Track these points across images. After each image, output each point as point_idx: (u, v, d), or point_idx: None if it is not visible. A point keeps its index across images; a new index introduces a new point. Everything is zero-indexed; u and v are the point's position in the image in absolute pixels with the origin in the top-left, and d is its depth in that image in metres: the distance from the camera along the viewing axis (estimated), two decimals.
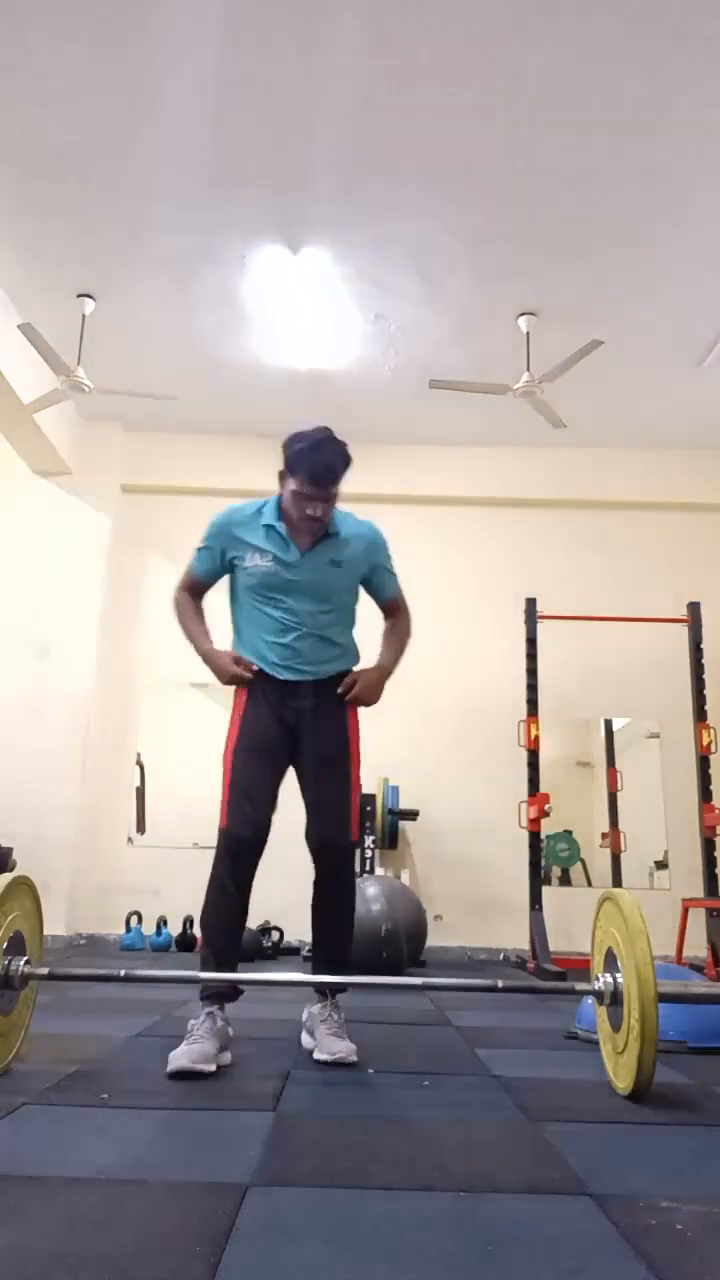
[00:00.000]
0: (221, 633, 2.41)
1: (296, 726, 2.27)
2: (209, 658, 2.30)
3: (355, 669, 2.38)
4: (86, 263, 4.82)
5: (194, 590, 2.42)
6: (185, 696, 6.18)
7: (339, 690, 2.29)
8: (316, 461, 2.19)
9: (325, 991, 2.27)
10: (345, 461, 2.25)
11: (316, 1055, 2.14)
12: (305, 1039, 2.28)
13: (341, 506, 2.35)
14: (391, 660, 2.42)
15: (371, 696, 2.34)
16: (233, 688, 2.33)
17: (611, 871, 6.00)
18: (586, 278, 4.82)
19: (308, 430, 2.25)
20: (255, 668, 2.27)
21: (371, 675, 2.35)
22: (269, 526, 2.29)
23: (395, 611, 2.50)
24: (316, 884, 2.31)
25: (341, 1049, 2.11)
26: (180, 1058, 1.94)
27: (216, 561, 2.36)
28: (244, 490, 7.04)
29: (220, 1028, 2.07)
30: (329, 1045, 2.13)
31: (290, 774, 2.32)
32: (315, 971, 2.32)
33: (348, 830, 2.28)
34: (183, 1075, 1.91)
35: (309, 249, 4.66)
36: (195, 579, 2.41)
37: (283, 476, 2.27)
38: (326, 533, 2.30)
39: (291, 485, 2.23)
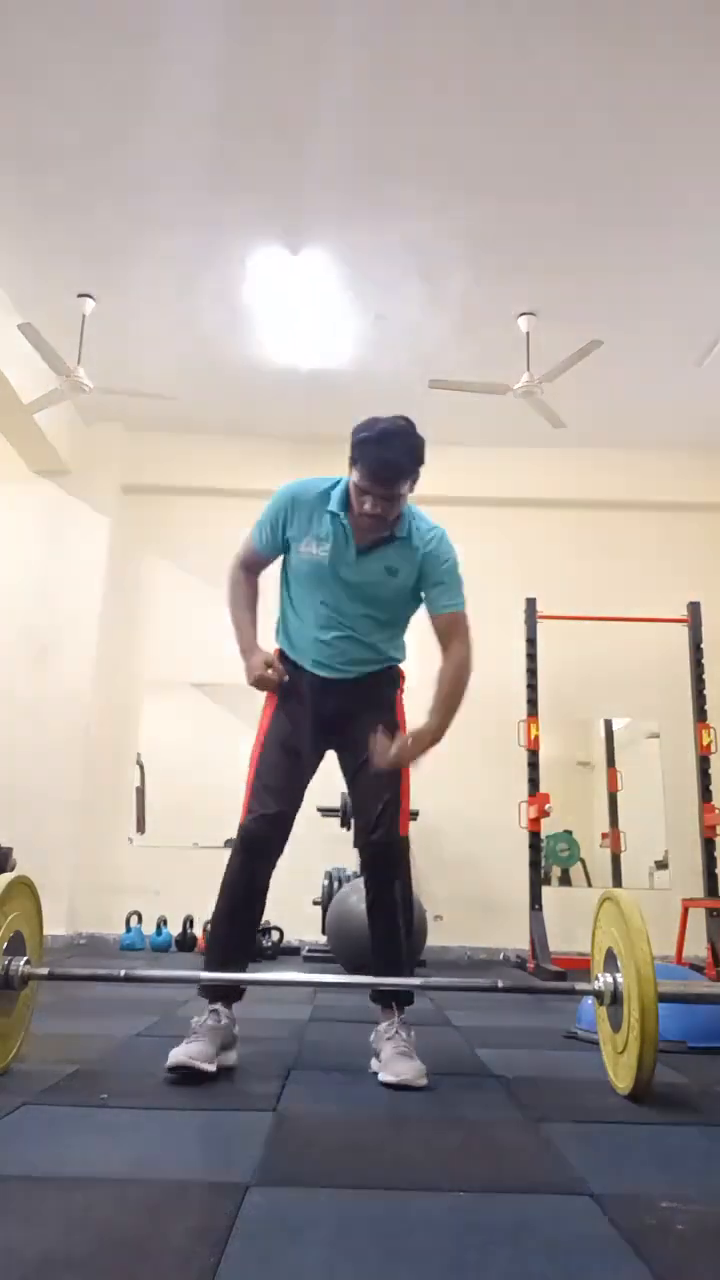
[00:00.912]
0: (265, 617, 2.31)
1: (338, 721, 2.17)
2: (244, 655, 2.19)
3: (401, 678, 2.26)
4: (86, 263, 4.82)
5: (251, 566, 2.28)
6: (185, 696, 6.19)
7: (372, 757, 2.06)
8: (378, 456, 2.02)
9: (390, 1004, 2.11)
10: (414, 459, 2.06)
11: (381, 1077, 1.93)
12: (373, 1063, 2.04)
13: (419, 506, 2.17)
14: (440, 720, 2.08)
15: (404, 762, 2.07)
16: (247, 686, 2.25)
17: (611, 871, 6.00)
18: (586, 278, 4.82)
19: (382, 418, 2.08)
20: (285, 677, 2.16)
21: (413, 744, 2.04)
22: (334, 514, 2.13)
23: (447, 636, 2.18)
24: (366, 884, 2.19)
25: (408, 1071, 1.90)
26: (178, 1053, 1.90)
27: (278, 537, 2.21)
28: (244, 490, 7.07)
29: (224, 1026, 2.02)
30: (394, 1066, 1.93)
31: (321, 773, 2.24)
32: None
33: (394, 827, 2.12)
34: (180, 1071, 1.88)
35: (309, 249, 4.66)
36: (255, 554, 2.26)
37: (351, 464, 2.10)
38: (392, 535, 2.13)
39: (354, 476, 2.07)
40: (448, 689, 2.13)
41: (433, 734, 2.08)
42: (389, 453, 2.02)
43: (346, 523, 2.13)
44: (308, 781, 2.20)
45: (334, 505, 2.14)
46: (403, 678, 2.34)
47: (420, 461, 2.08)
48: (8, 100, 3.81)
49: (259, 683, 2.17)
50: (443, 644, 2.19)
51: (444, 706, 2.10)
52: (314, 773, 2.22)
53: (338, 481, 2.18)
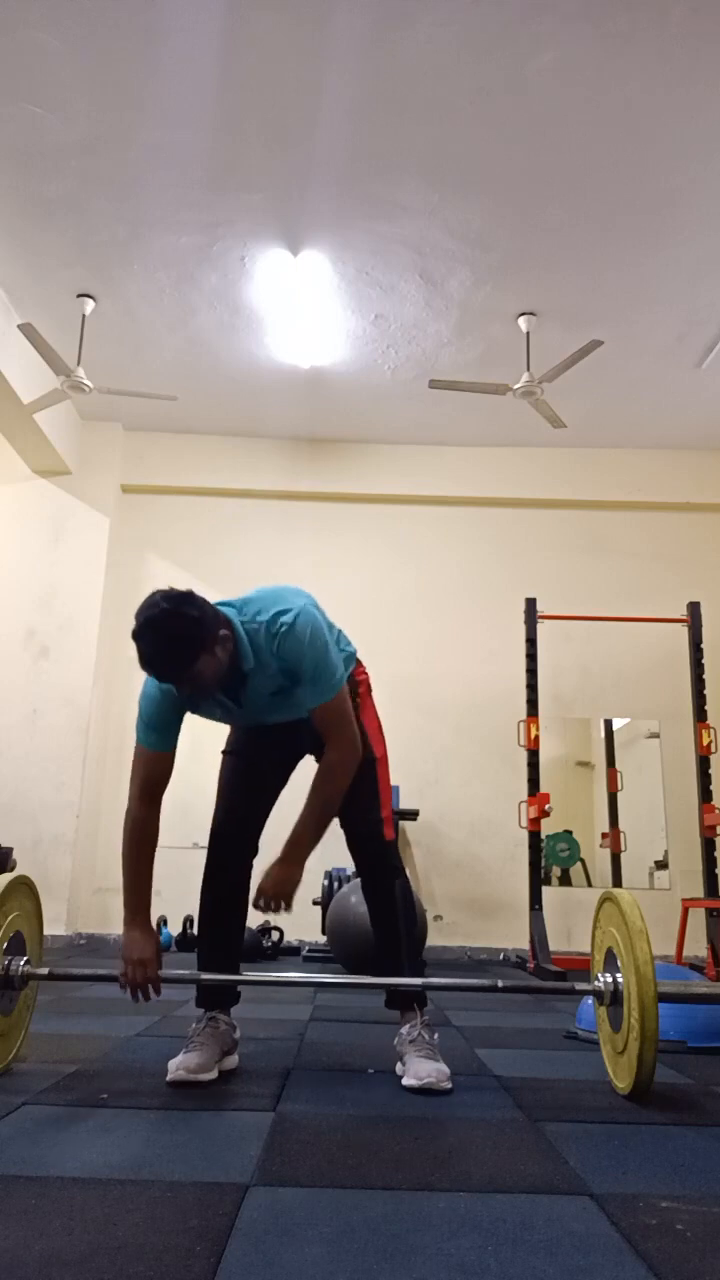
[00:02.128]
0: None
1: (306, 738, 2.12)
2: (125, 928, 1.98)
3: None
4: (86, 263, 4.82)
5: (154, 786, 2.01)
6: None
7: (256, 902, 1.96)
8: (141, 655, 1.80)
9: (412, 1006, 2.08)
10: (177, 647, 1.78)
11: (404, 1081, 1.90)
12: (398, 1067, 2.00)
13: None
14: (302, 836, 1.94)
15: (284, 903, 1.92)
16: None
17: (611, 871, 6.00)
18: (586, 278, 4.82)
19: (148, 601, 1.80)
20: (155, 995, 1.95)
21: (270, 880, 1.92)
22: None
23: (325, 737, 1.97)
24: (363, 889, 2.20)
25: (430, 1073, 1.87)
26: (179, 1067, 1.89)
27: (174, 727, 1.99)
28: (244, 490, 7.07)
29: (223, 1032, 2.02)
30: (416, 1068, 1.90)
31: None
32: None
33: (379, 831, 2.13)
34: (182, 1085, 1.87)
35: (308, 249, 4.66)
36: (154, 760, 1.98)
37: None
38: (242, 674, 1.93)
39: None
40: (316, 803, 1.96)
41: (299, 855, 1.93)
42: (147, 648, 1.78)
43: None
44: (276, 784, 2.18)
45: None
46: (361, 681, 2.20)
47: (190, 641, 1.78)
48: (8, 100, 3.80)
49: (127, 983, 1.94)
50: (325, 743, 1.98)
51: (311, 820, 1.95)
52: (287, 774, 2.20)
53: None
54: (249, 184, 4.24)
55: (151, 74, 3.67)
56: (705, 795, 5.26)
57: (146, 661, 1.80)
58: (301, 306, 5.14)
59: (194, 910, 5.53)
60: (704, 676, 5.49)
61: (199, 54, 3.58)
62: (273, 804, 2.18)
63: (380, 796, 2.15)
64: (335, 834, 5.32)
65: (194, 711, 2.03)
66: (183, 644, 1.78)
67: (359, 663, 2.22)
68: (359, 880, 2.21)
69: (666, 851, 6.00)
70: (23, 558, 6.18)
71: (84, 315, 5.14)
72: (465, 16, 3.39)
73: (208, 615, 1.82)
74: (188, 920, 5.55)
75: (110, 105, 3.82)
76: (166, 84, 3.71)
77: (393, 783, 5.01)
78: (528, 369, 5.05)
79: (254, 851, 2.15)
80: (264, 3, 3.36)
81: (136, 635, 1.78)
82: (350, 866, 5.25)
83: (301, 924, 5.49)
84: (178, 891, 5.64)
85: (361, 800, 2.10)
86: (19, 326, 4.68)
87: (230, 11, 3.40)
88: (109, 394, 5.33)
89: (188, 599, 1.82)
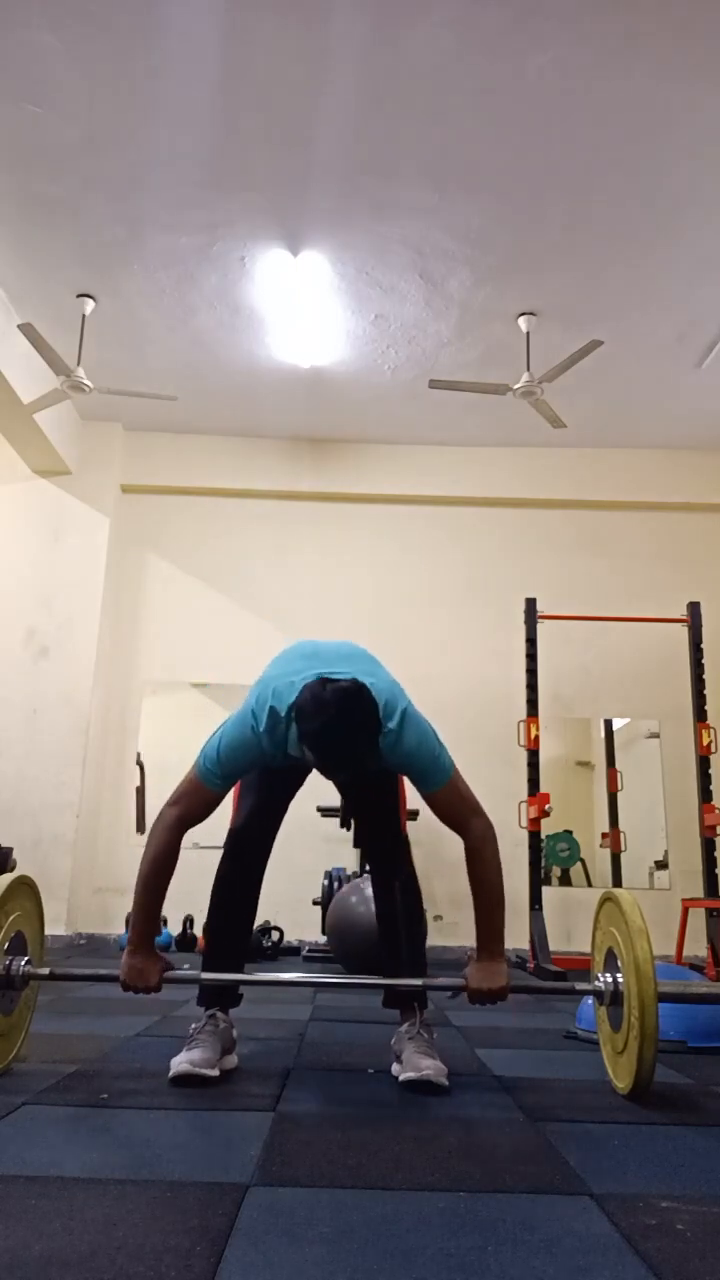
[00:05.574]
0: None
1: None
2: (130, 951, 1.95)
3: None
4: (86, 263, 4.82)
5: (192, 820, 1.95)
6: (185, 696, 6.19)
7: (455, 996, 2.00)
8: (323, 756, 1.76)
9: (412, 1006, 2.09)
10: (360, 754, 1.76)
11: (402, 1076, 1.91)
12: (394, 1067, 2.01)
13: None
14: (497, 926, 1.97)
15: (498, 993, 1.93)
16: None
17: (611, 871, 6.00)
18: (586, 278, 4.82)
19: (326, 697, 1.73)
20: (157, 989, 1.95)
21: (481, 976, 1.94)
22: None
23: (454, 819, 2.02)
24: (373, 884, 2.25)
25: (428, 1067, 1.88)
26: (182, 1062, 1.90)
27: (237, 778, 2.00)
28: (244, 490, 7.05)
29: (223, 1030, 2.02)
30: (414, 1062, 1.91)
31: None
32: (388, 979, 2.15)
33: (396, 828, 2.22)
34: (185, 1080, 1.88)
35: (309, 249, 4.66)
36: (210, 799, 1.94)
37: (301, 743, 1.79)
38: None
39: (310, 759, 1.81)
40: (481, 892, 1.98)
41: (496, 955, 1.96)
42: (334, 752, 1.75)
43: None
44: (294, 786, 2.20)
45: (295, 749, 1.87)
46: None
47: (371, 745, 1.77)
48: (8, 99, 3.80)
49: (129, 989, 1.94)
50: (456, 829, 2.02)
51: (489, 915, 1.96)
52: (303, 778, 2.20)
53: (278, 721, 1.87)
54: (249, 184, 4.24)
55: (151, 74, 3.67)
56: (705, 795, 5.26)
57: (326, 760, 1.76)
58: (301, 306, 5.14)
59: (194, 910, 5.55)
60: (704, 676, 5.49)
61: (199, 54, 3.58)
62: (288, 806, 2.19)
63: (400, 797, 2.23)
64: (335, 835, 5.28)
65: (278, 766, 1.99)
66: (362, 754, 1.77)
67: None
68: (359, 880, 2.22)
69: (666, 851, 6.00)
70: (23, 558, 6.17)
71: (84, 315, 5.14)
72: (465, 16, 3.39)
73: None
74: (188, 920, 5.55)
75: (110, 105, 3.82)
76: (166, 84, 3.71)
77: None
78: (528, 369, 5.05)
79: (269, 852, 2.15)
80: (264, 3, 3.36)
81: (323, 730, 1.72)
82: (350, 866, 5.25)
83: (301, 924, 5.49)
84: (178, 892, 5.66)
85: (385, 799, 2.18)
86: (19, 326, 4.68)
87: (230, 11, 3.40)
88: (109, 394, 5.33)
89: (371, 693, 1.79)
